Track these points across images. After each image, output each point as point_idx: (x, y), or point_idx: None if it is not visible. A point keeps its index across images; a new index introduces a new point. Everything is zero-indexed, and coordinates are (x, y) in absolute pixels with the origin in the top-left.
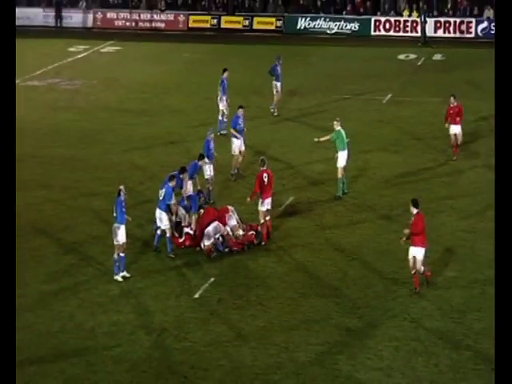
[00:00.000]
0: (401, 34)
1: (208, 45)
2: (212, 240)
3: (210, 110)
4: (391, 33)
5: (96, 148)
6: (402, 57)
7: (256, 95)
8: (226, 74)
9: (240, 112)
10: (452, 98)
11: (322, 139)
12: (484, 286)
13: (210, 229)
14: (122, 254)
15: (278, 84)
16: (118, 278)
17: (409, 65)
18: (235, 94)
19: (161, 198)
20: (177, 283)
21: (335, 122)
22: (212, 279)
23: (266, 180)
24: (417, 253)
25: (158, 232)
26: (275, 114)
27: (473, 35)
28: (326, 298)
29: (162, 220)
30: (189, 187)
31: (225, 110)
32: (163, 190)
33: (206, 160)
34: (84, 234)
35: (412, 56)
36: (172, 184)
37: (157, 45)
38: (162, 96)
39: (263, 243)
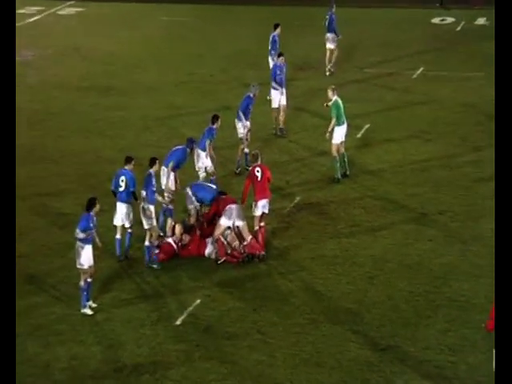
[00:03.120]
0: None
1: (193, 5)
2: (230, 221)
3: (196, 88)
4: None
5: (52, 136)
6: (436, 20)
7: (251, 68)
8: (278, 31)
9: (280, 61)
10: None
11: (329, 129)
12: None
13: (233, 207)
14: (89, 280)
15: (330, 36)
16: (87, 311)
17: (445, 31)
18: (228, 66)
19: (121, 189)
20: (153, 306)
21: (330, 91)
22: (198, 301)
23: (258, 175)
24: None
25: (118, 236)
26: (327, 73)
27: None
28: (341, 325)
29: (129, 215)
30: (207, 162)
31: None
32: (122, 178)
33: (242, 117)
34: (38, 243)
35: (449, 20)
36: (129, 167)
37: (127, 5)
38: (134, 70)
39: (261, 254)
